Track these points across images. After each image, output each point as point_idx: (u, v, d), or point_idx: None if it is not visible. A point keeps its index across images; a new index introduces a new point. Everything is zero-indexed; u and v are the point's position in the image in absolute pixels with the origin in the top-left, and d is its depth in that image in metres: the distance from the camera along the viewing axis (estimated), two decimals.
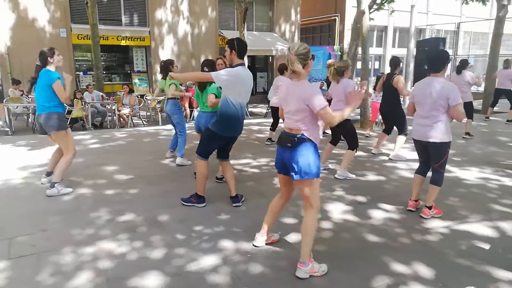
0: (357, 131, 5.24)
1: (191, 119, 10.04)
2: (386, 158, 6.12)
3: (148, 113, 11.46)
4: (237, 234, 3.37)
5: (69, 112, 8.80)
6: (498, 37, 11.39)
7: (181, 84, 5.70)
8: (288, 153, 2.68)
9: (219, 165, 4.36)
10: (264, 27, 16.90)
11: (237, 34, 13.44)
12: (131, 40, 13.99)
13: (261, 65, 17.64)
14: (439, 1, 21.81)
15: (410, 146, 6.59)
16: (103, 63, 12.65)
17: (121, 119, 9.99)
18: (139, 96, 11.20)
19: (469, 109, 7.36)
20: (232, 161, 4.51)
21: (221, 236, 3.32)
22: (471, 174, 5.22)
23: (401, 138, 6.01)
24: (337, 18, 19.38)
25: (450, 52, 13.18)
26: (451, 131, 3.66)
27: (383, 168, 5.55)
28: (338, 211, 3.94)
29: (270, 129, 7.23)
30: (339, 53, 17.06)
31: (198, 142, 4.02)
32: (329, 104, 5.42)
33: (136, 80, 14.53)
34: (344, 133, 5.10)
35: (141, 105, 10.51)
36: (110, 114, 9.92)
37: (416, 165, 4.10)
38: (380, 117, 8.84)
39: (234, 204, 4.01)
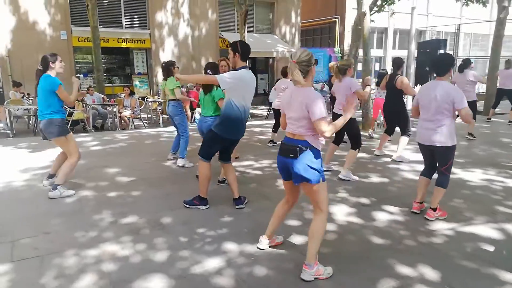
0: None
1: (192, 121, 10.03)
2: (389, 159, 6.11)
3: (149, 115, 11.45)
4: (241, 236, 3.35)
5: (70, 114, 8.78)
6: (499, 39, 11.39)
7: (182, 86, 5.69)
8: (291, 161, 2.66)
9: (221, 167, 4.34)
10: (265, 29, 16.92)
11: (237, 36, 13.45)
12: (132, 42, 14.01)
13: (262, 67, 17.65)
14: (439, 3, 21.84)
15: (413, 147, 6.59)
16: (103, 65, 12.65)
17: (122, 121, 9.98)
18: (140, 98, 11.21)
19: (473, 109, 7.32)
20: (234, 163, 4.49)
21: (225, 239, 3.30)
22: (474, 176, 5.20)
23: (404, 139, 5.99)
24: (337, 20, 19.40)
25: (451, 53, 13.17)
26: (455, 134, 3.65)
27: (386, 170, 5.53)
28: (342, 213, 3.92)
29: (272, 130, 7.22)
30: (340, 55, 17.08)
31: (201, 144, 4.00)
32: (333, 103, 5.47)
33: (136, 82, 14.54)
34: (349, 131, 5.08)
35: (142, 107, 10.51)
36: (111, 116, 9.91)
37: (419, 167, 4.09)
38: (382, 118, 8.84)
39: (237, 206, 3.99)
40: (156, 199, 4.28)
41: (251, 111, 13.18)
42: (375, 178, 5.14)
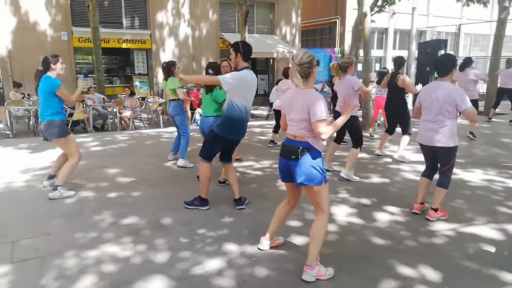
0: None
1: (192, 122, 10.03)
2: (389, 160, 6.10)
3: (150, 116, 11.46)
4: (242, 237, 3.34)
5: (71, 114, 8.78)
6: (500, 39, 11.39)
7: (182, 86, 5.69)
8: (293, 163, 2.66)
9: (222, 168, 4.34)
10: (265, 30, 16.93)
11: (238, 36, 13.45)
12: (132, 43, 14.01)
13: (262, 68, 17.65)
14: (439, 3, 21.83)
15: (413, 148, 6.59)
16: (104, 66, 12.65)
17: (123, 122, 9.98)
18: (140, 99, 11.21)
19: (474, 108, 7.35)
20: (234, 164, 4.49)
21: (225, 239, 3.30)
22: (475, 176, 5.19)
23: (406, 138, 5.99)
24: (337, 20, 19.39)
25: (453, 54, 13.16)
26: (457, 135, 3.65)
27: (386, 170, 5.52)
28: (342, 213, 3.91)
29: (273, 131, 7.22)
30: (340, 55, 17.06)
31: (202, 144, 4.00)
32: (335, 101, 5.46)
33: (137, 83, 14.55)
34: (351, 130, 5.07)
35: (142, 107, 10.50)
36: (111, 116, 9.91)
37: (419, 167, 4.09)
38: (382, 118, 8.83)
39: (237, 207, 3.99)
40: (157, 200, 4.27)
41: (251, 111, 13.15)
42: (375, 179, 5.13)
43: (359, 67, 9.38)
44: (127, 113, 9.95)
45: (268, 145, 7.11)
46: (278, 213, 3.06)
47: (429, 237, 3.40)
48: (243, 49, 3.61)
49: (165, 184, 4.83)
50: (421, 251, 3.15)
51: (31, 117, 9.66)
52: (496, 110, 10.25)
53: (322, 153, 2.72)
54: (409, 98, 10.40)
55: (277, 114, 7.03)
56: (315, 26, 20.70)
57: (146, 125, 10.35)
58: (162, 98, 11.48)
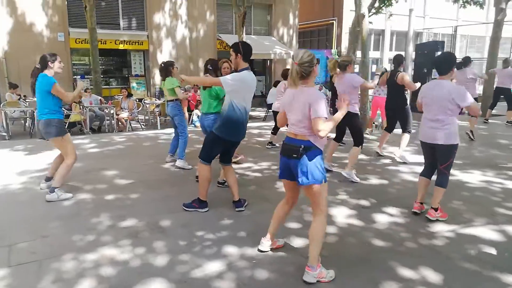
0: None
1: (190, 123, 9.99)
2: (388, 161, 6.10)
3: (147, 117, 11.41)
4: (241, 239, 3.32)
5: (67, 116, 8.73)
6: (496, 41, 11.44)
7: (180, 87, 5.68)
8: (294, 161, 2.65)
9: (222, 169, 4.32)
10: (263, 31, 16.93)
11: (235, 38, 13.45)
12: (129, 44, 13.96)
13: (259, 69, 17.63)
14: (436, 5, 21.94)
15: (412, 149, 6.60)
16: (101, 67, 12.60)
17: (120, 123, 9.93)
18: (137, 100, 11.16)
19: None
20: (233, 165, 4.46)
21: (225, 242, 3.28)
22: (473, 177, 5.20)
23: (406, 137, 5.99)
24: (334, 22, 19.43)
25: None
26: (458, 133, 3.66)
27: (385, 172, 5.52)
28: (342, 215, 3.90)
29: (272, 132, 7.20)
30: (337, 56, 17.11)
31: (201, 146, 3.97)
32: (335, 100, 5.44)
33: (134, 84, 14.49)
34: (351, 128, 5.05)
35: (139, 109, 10.46)
36: (108, 118, 9.86)
37: (418, 168, 4.08)
38: (380, 120, 8.84)
39: (237, 209, 3.96)
40: (155, 202, 4.24)
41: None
42: (374, 180, 5.12)
43: (356, 68, 9.40)
44: (124, 115, 9.91)
45: (267, 146, 7.09)
46: (277, 213, 3.05)
47: (429, 238, 3.40)
48: (243, 49, 3.60)
49: (163, 186, 4.80)
50: (421, 253, 3.14)
51: (27, 118, 9.59)
52: (493, 111, 10.29)
53: (322, 153, 2.71)
54: (408, 96, 10.43)
55: (276, 115, 7.00)
56: (312, 28, 20.73)
57: (143, 126, 10.31)
58: (159, 100, 11.45)
